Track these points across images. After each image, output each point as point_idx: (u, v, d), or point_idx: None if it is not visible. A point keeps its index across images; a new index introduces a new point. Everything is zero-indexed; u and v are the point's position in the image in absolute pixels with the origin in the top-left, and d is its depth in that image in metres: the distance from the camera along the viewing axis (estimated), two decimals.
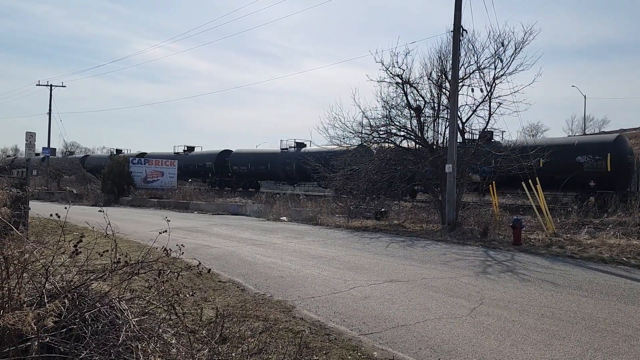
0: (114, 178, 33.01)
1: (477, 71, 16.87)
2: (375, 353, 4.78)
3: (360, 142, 19.81)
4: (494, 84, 16.61)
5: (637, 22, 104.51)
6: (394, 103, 18.40)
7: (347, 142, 19.51)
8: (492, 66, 16.62)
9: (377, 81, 18.30)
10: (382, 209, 19.76)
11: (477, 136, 18.14)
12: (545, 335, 5.45)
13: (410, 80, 17.90)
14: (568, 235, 13.79)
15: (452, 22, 15.92)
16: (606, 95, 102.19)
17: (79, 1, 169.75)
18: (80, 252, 3.84)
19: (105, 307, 4.22)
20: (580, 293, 7.54)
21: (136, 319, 4.04)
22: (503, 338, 5.31)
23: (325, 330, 5.40)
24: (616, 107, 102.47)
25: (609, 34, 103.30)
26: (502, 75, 16.46)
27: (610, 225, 14.71)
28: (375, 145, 20.09)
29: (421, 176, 17.74)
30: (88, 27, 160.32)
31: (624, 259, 10.55)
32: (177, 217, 20.59)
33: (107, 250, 3.93)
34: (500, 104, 16.72)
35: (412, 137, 18.57)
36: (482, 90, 16.89)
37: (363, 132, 19.14)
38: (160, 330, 4.25)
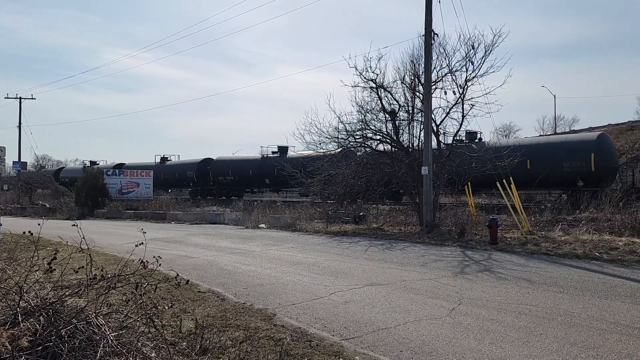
0: (88, 190, 32.45)
1: (449, 74, 17.17)
2: (357, 357, 4.80)
3: (336, 147, 19.88)
4: (466, 86, 16.91)
5: (603, 23, 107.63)
6: (368, 107, 18.58)
7: (324, 148, 19.57)
8: (464, 69, 16.95)
9: (352, 86, 18.49)
10: (361, 213, 19.86)
11: (452, 138, 18.38)
12: (523, 332, 5.54)
13: (384, 84, 18.11)
14: (543, 232, 14.07)
15: (424, 27, 16.16)
16: (575, 94, 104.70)
17: (47, 11, 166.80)
18: (55, 269, 3.77)
19: (82, 322, 4.15)
20: (556, 289, 7.70)
21: (114, 333, 3.98)
22: (482, 337, 5.39)
23: (306, 337, 5.40)
24: (585, 106, 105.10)
25: (576, 35, 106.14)
26: (473, 77, 16.78)
27: (583, 221, 15.06)
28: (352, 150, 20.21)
29: (398, 179, 17.89)
30: (57, 38, 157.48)
31: (597, 254, 10.81)
32: (155, 228, 20.32)
33: (83, 267, 3.87)
34: (473, 105, 17.04)
35: (387, 140, 18.74)
36: (454, 93, 17.18)
37: (339, 137, 19.25)
38: (139, 344, 4.19)
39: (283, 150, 35.93)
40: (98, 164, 52.43)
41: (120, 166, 48.17)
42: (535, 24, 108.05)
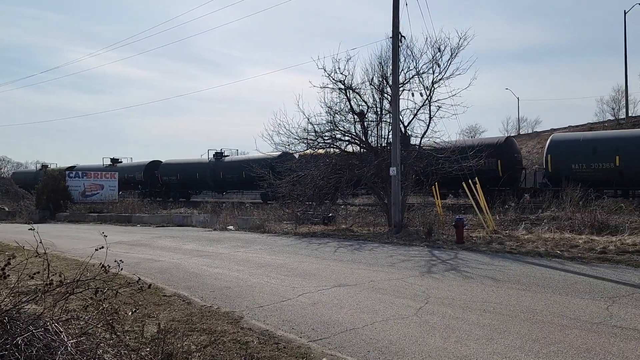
0: (49, 193, 31.56)
1: (416, 76, 17.39)
2: (324, 359, 4.79)
3: (305, 148, 19.85)
4: (432, 88, 17.17)
5: (564, 27, 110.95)
6: (337, 108, 18.63)
7: (293, 149, 19.52)
8: (431, 71, 17.20)
9: (320, 87, 18.50)
10: (330, 214, 19.88)
11: (419, 139, 18.60)
12: (487, 330, 5.64)
13: (353, 85, 18.20)
14: (507, 231, 14.37)
15: (391, 29, 16.30)
16: (538, 96, 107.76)
17: (5, 9, 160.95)
18: (9, 274, 3.61)
19: (40, 330, 4.00)
20: (519, 287, 7.86)
21: (73, 340, 3.86)
22: (448, 335, 5.46)
23: (274, 339, 5.36)
24: (547, 108, 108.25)
25: (539, 39, 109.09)
26: (440, 79, 17.04)
27: (545, 220, 15.47)
28: (321, 151, 20.21)
29: (367, 180, 18.00)
30: (16, 36, 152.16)
31: (558, 252, 11.10)
32: (120, 231, 19.87)
33: (38, 272, 3.73)
34: (440, 107, 17.32)
35: (356, 141, 18.83)
36: (422, 95, 17.42)
37: (308, 137, 19.23)
38: (101, 351, 4.07)
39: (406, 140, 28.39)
40: (121, 162, 45.44)
41: (157, 164, 41.71)
42: (498, 27, 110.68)
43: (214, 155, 38.28)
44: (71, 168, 46.20)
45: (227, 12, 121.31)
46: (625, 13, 41.14)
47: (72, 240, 16.18)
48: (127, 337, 4.47)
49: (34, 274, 3.73)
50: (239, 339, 5.30)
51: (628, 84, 43.18)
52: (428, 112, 17.47)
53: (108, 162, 45.30)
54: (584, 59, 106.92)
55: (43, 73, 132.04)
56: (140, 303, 6.43)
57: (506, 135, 35.91)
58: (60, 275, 3.86)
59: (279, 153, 30.25)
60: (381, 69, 18.07)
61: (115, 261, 4.29)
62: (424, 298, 7.22)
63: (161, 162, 42.41)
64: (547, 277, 8.69)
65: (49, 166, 52.11)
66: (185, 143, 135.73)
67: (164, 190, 40.08)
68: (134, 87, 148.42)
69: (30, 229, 4.35)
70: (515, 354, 4.83)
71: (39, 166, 53.92)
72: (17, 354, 3.67)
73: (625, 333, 5.41)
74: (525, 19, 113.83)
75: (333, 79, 17.98)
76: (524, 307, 6.61)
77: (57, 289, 3.88)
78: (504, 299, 7.10)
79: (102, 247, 4.16)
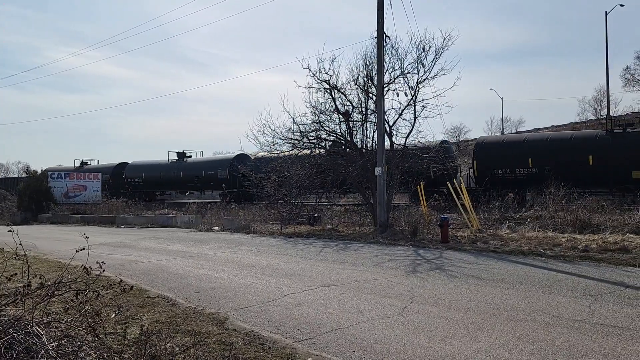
0: (32, 194, 31.11)
1: (401, 76, 17.45)
2: (309, 359, 4.78)
3: (290, 148, 19.81)
4: (417, 88, 17.24)
5: (547, 27, 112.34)
6: (322, 108, 18.63)
7: (278, 149, 19.48)
8: (415, 71, 17.28)
9: (305, 87, 18.47)
10: (315, 214, 19.87)
11: (404, 139, 18.68)
12: (471, 328, 5.68)
13: (338, 85, 18.21)
14: (491, 230, 14.49)
15: (376, 29, 16.34)
16: (521, 96, 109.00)
17: None
18: None
19: (20, 333, 3.94)
20: (503, 285, 7.93)
21: (54, 343, 3.80)
22: (432, 334, 5.48)
23: (259, 340, 5.33)
24: (530, 108, 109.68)
25: (522, 39, 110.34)
26: (424, 79, 17.13)
27: (529, 219, 15.64)
28: (306, 151, 20.19)
29: (352, 180, 18.02)
30: None
31: (541, 250, 11.23)
32: (103, 233, 19.64)
33: (16, 274, 3.66)
34: (424, 107, 17.41)
35: (342, 141, 18.84)
36: (406, 95, 17.49)
37: (293, 138, 19.20)
38: (83, 353, 4.01)
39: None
40: (190, 156, 39.35)
41: (244, 158, 32.65)
42: (481, 28, 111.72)
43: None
44: (122, 165, 42.02)
45: (211, 11, 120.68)
46: (606, 14, 41.81)
47: (54, 242, 15.96)
48: (110, 339, 4.41)
49: (12, 275, 3.66)
50: (223, 340, 5.26)
51: (609, 84, 43.84)
52: (413, 112, 17.57)
53: (174, 156, 39.01)
54: (566, 59, 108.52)
55: (24, 72, 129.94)
56: (123, 305, 6.35)
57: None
58: (41, 277, 3.80)
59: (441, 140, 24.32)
60: (366, 69, 18.14)
61: (97, 263, 4.24)
62: (409, 297, 7.25)
63: (247, 155, 34.20)
64: (531, 275, 8.78)
65: (88, 163, 46.30)
66: (169, 143, 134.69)
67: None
68: (117, 87, 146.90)
69: (10, 231, 4.27)
70: (499, 352, 4.87)
71: (53, 166, 47.64)
72: None
73: (607, 330, 5.49)
74: (509, 19, 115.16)
75: (318, 79, 17.99)
76: (507, 305, 6.67)
77: (38, 291, 3.82)
78: (488, 297, 7.15)
79: (84, 249, 4.10)
